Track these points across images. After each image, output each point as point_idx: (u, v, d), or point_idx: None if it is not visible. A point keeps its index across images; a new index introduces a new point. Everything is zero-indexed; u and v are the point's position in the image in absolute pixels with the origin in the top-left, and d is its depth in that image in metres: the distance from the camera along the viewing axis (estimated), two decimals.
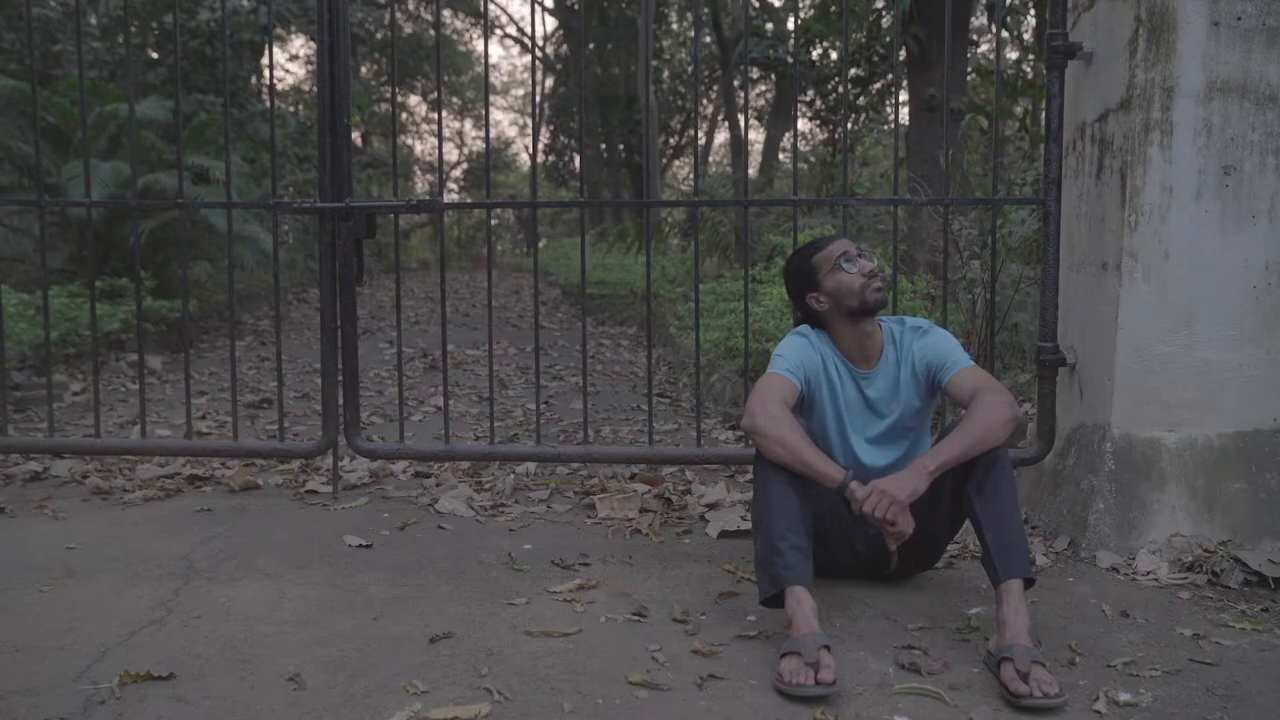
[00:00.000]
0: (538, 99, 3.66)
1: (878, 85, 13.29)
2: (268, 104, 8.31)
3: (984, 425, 2.26)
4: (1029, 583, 2.18)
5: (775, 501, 2.26)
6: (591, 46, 20.35)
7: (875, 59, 12.25)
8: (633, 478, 3.73)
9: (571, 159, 23.04)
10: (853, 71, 12.37)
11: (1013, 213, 5.41)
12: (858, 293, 2.46)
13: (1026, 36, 14.80)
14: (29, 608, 2.41)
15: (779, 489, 2.27)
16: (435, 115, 24.90)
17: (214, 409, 5.44)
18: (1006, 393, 2.35)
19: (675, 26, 22.89)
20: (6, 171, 8.14)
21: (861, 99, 13.54)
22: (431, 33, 22.32)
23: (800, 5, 13.49)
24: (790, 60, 14.75)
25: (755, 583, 2.32)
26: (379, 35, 16.92)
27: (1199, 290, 2.89)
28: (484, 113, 3.70)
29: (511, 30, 29.38)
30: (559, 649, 2.21)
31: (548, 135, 23.40)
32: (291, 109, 14.09)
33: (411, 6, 22.40)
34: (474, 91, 29.10)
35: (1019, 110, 10.22)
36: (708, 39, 19.11)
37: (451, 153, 30.11)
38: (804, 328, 2.59)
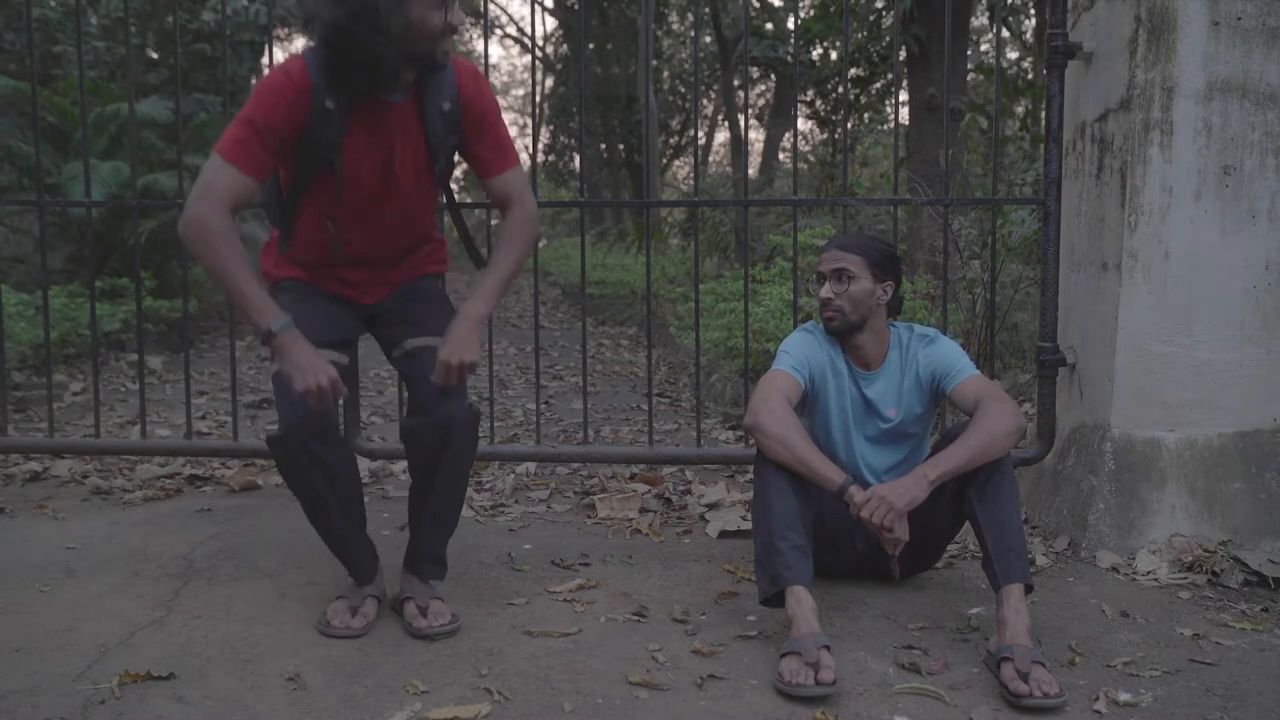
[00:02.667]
0: (538, 99, 3.65)
1: (878, 85, 13.30)
2: None
3: (988, 435, 2.25)
4: (1028, 588, 2.18)
5: (776, 501, 2.26)
6: (591, 46, 20.35)
7: (875, 59, 12.25)
8: (633, 478, 3.73)
9: (571, 159, 23.03)
10: (853, 71, 12.37)
11: (1013, 213, 5.41)
12: (821, 313, 2.51)
13: (1026, 36, 14.80)
14: (29, 608, 2.41)
15: (779, 488, 2.27)
16: None
17: (214, 409, 5.44)
18: (1012, 402, 2.34)
19: (675, 26, 22.89)
20: (6, 171, 8.13)
21: (861, 99, 13.54)
22: None
23: (800, 5, 13.49)
24: (790, 60, 14.75)
25: (755, 582, 2.32)
26: None
27: (1199, 290, 2.89)
28: None
29: (511, 30, 29.40)
30: (559, 649, 2.21)
31: (548, 135, 23.40)
32: None
33: None
34: None
35: (1019, 110, 10.21)
36: (708, 39, 19.11)
37: None
38: (810, 324, 2.60)
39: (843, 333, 2.49)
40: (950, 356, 2.48)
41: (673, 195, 22.31)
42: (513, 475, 3.74)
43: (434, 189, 2.32)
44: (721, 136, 24.71)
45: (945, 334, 2.62)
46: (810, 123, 18.06)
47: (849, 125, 7.71)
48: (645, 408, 4.95)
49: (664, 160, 24.10)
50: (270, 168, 2.12)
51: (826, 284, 2.47)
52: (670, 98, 22.95)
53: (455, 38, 2.12)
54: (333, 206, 2.18)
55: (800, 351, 2.50)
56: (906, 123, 9.88)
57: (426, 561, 2.37)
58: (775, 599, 2.20)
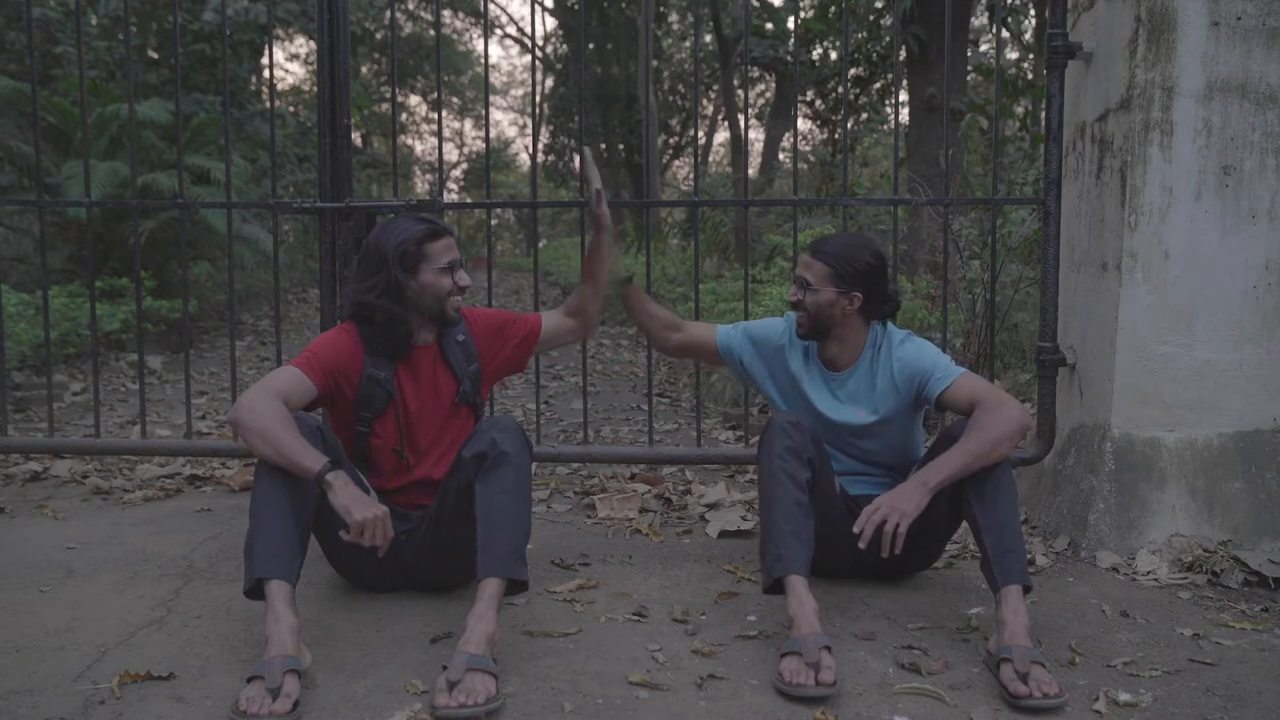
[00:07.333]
0: (538, 99, 3.65)
1: (878, 85, 13.29)
2: (268, 104, 8.28)
3: (990, 440, 2.22)
4: (1027, 590, 2.17)
5: (777, 493, 2.26)
6: (591, 46, 20.35)
7: (875, 59, 12.26)
8: (633, 478, 3.73)
9: (571, 159, 23.02)
10: (853, 71, 12.36)
11: (1013, 213, 5.41)
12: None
13: (1026, 36, 14.80)
14: (29, 608, 2.41)
15: (782, 482, 2.27)
16: (435, 115, 24.89)
17: (214, 409, 5.44)
18: (1012, 401, 2.29)
19: (675, 26, 22.89)
20: (6, 171, 8.15)
21: (861, 99, 13.54)
22: (431, 33, 22.32)
23: (800, 5, 13.49)
24: (790, 60, 14.75)
25: (755, 582, 2.32)
26: (379, 35, 16.92)
27: (1199, 290, 2.89)
28: (484, 113, 3.70)
29: (511, 30, 29.41)
30: (559, 649, 2.21)
31: (548, 135, 23.39)
32: (291, 109, 14.08)
33: (411, 6, 22.40)
34: (474, 91, 29.12)
35: (1019, 110, 10.21)
36: (708, 39, 19.10)
37: (451, 153, 30.12)
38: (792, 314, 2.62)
39: (809, 336, 2.55)
40: (927, 359, 2.44)
41: (673, 195, 22.31)
42: None
43: (468, 410, 2.51)
44: (721, 136, 24.70)
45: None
46: (810, 123, 18.05)
47: (849, 125, 7.71)
48: (645, 408, 4.95)
49: (664, 160, 24.09)
50: (326, 383, 2.35)
51: (793, 287, 2.53)
52: (670, 98, 22.94)
53: (465, 289, 2.42)
54: (398, 440, 2.44)
55: (760, 328, 2.66)
56: (906, 123, 9.88)
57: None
58: (775, 587, 2.20)
